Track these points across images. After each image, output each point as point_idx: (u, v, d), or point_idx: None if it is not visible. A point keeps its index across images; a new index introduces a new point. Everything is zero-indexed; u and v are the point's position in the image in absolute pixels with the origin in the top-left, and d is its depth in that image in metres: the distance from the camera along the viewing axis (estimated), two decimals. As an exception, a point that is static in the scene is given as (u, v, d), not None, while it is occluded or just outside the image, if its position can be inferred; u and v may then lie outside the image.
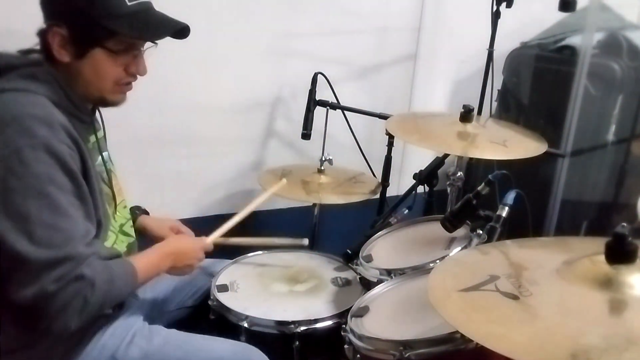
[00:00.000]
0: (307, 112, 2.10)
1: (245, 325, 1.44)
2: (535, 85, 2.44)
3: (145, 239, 1.51)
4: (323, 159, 2.12)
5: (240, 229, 2.35)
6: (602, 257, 0.97)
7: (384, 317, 1.37)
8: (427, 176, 1.89)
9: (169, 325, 1.40)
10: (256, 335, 1.43)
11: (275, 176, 2.14)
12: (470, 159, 2.17)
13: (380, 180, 2.19)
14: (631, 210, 1.76)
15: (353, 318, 1.36)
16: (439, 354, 1.18)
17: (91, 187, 1.18)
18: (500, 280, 1.01)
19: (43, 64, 1.19)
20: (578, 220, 2.29)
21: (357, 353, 1.29)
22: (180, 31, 1.24)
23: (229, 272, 1.66)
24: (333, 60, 2.32)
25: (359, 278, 1.64)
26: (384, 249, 1.69)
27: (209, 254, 1.51)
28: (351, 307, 1.41)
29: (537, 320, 0.92)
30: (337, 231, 2.09)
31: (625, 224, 0.95)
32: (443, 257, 1.45)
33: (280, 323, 1.44)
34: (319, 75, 2.13)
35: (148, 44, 1.26)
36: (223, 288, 1.57)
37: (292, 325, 1.43)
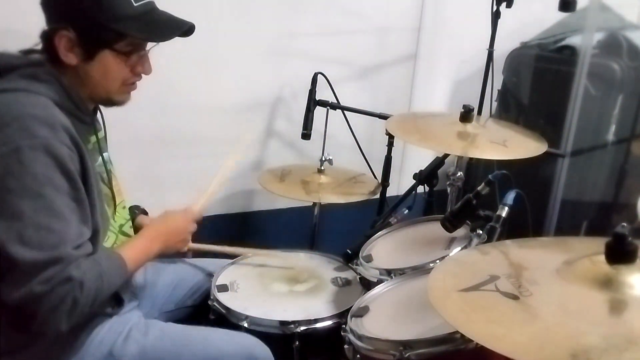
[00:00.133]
0: (307, 112, 2.10)
1: (245, 325, 1.44)
2: (535, 85, 2.44)
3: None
4: (323, 159, 2.12)
5: (241, 229, 2.36)
6: (602, 257, 0.97)
7: (384, 317, 1.37)
8: (427, 176, 1.89)
9: (169, 326, 1.40)
10: (256, 335, 1.42)
11: (276, 176, 2.15)
12: (470, 159, 2.17)
13: (380, 180, 2.19)
14: (631, 210, 1.76)
15: (353, 318, 1.36)
16: (439, 354, 1.18)
17: (90, 188, 1.18)
18: (500, 280, 1.01)
19: (44, 64, 1.19)
20: (578, 220, 2.29)
21: (357, 353, 1.29)
22: (186, 30, 1.24)
23: (229, 272, 1.66)
24: (333, 60, 2.32)
25: (359, 278, 1.64)
26: (384, 249, 1.69)
27: (199, 223, 1.49)
28: (351, 307, 1.41)
29: (537, 320, 0.92)
30: (337, 231, 2.09)
31: (625, 224, 0.95)
32: (443, 257, 1.45)
33: (280, 323, 1.44)
34: (319, 75, 2.13)
35: (152, 43, 1.26)
36: (223, 288, 1.57)
37: (292, 325, 1.43)
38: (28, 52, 1.23)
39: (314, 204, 2.10)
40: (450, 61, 2.63)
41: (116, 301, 1.32)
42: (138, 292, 1.47)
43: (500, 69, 2.51)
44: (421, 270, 1.48)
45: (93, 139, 1.29)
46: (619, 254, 0.95)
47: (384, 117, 2.06)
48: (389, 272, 1.52)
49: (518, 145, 1.65)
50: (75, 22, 1.16)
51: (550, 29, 2.47)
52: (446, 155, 1.88)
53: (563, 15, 2.14)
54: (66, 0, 1.17)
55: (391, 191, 2.22)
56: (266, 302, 1.53)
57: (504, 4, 2.12)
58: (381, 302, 1.43)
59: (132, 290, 1.42)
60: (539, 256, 1.18)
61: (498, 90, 2.53)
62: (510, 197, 1.42)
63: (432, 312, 0.97)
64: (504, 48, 2.41)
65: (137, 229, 1.52)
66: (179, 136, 2.15)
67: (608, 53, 2.23)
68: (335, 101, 2.18)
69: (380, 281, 1.51)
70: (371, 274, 1.56)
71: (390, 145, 2.14)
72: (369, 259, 1.63)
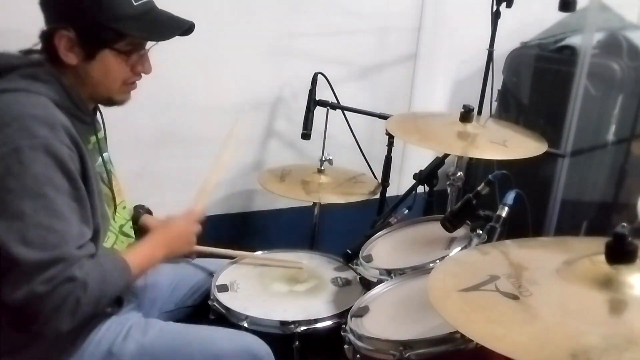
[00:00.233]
0: (307, 112, 2.11)
1: (245, 325, 1.44)
2: (535, 85, 2.44)
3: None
4: (323, 159, 2.12)
5: (241, 229, 2.36)
6: (602, 257, 0.97)
7: (384, 317, 1.37)
8: (427, 176, 1.89)
9: (169, 326, 1.40)
10: (256, 335, 1.42)
11: (276, 176, 2.15)
12: (470, 159, 2.17)
13: (380, 180, 2.19)
14: (631, 210, 1.76)
15: (353, 318, 1.36)
16: (439, 354, 1.18)
17: (90, 188, 1.18)
18: (500, 280, 1.01)
19: (44, 64, 1.19)
20: (578, 220, 2.29)
21: (357, 353, 1.29)
22: (186, 29, 1.24)
23: (229, 272, 1.66)
24: (333, 60, 2.32)
25: (359, 278, 1.64)
26: (384, 249, 1.69)
27: (203, 223, 1.49)
28: (351, 307, 1.41)
29: (537, 320, 0.92)
30: (337, 231, 2.09)
31: (625, 224, 0.95)
32: (443, 257, 1.45)
33: (280, 323, 1.44)
34: (319, 75, 2.13)
35: (152, 43, 1.26)
36: (223, 288, 1.57)
37: (292, 325, 1.43)
38: (28, 52, 1.23)
39: (314, 204, 2.10)
40: (450, 61, 2.63)
41: (116, 301, 1.32)
42: (138, 292, 1.47)
43: (500, 69, 2.51)
44: (421, 270, 1.48)
45: (93, 139, 1.29)
46: (619, 254, 0.95)
47: (384, 117, 2.06)
48: (389, 272, 1.52)
49: (518, 145, 1.65)
50: (75, 22, 1.16)
51: (550, 29, 2.47)
52: (446, 155, 1.88)
53: (563, 15, 2.15)
54: (66, 0, 1.17)
55: (391, 191, 2.22)
56: (266, 302, 1.53)
57: (504, 4, 2.12)
58: (381, 302, 1.43)
59: (132, 290, 1.42)
60: (539, 256, 1.18)
61: (498, 90, 2.53)
62: (510, 197, 1.42)
63: (432, 312, 0.97)
64: (504, 48, 2.41)
65: (141, 228, 1.52)
66: (179, 136, 2.15)
67: (608, 53, 2.23)
68: (335, 101, 2.18)
69: (380, 281, 1.51)
70: (371, 274, 1.56)
71: (390, 145, 2.15)
72: (369, 259, 1.63)
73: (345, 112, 2.22)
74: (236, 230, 2.37)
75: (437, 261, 1.46)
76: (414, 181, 1.92)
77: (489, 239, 1.40)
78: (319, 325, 1.45)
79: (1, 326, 1.15)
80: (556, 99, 2.26)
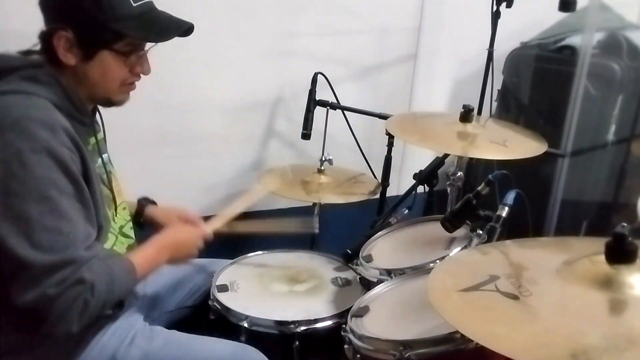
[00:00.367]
0: (307, 112, 2.11)
1: (245, 325, 1.44)
2: (535, 85, 2.44)
3: (149, 233, 1.51)
4: (323, 159, 2.12)
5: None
6: (602, 257, 0.97)
7: (384, 317, 1.37)
8: (427, 176, 1.89)
9: (169, 326, 1.40)
10: (256, 335, 1.42)
11: (275, 176, 2.14)
12: (470, 159, 2.16)
13: (380, 180, 2.19)
14: (631, 210, 1.76)
15: (353, 318, 1.36)
16: (439, 354, 1.18)
17: (92, 189, 1.18)
18: (500, 280, 1.01)
19: (44, 66, 1.19)
20: (578, 220, 2.29)
21: (357, 353, 1.29)
22: (186, 30, 1.24)
23: (229, 272, 1.66)
24: (333, 60, 2.32)
25: (359, 278, 1.64)
26: (384, 249, 1.69)
27: (209, 242, 1.49)
28: (351, 307, 1.41)
29: (537, 320, 0.92)
30: (337, 231, 2.09)
31: (625, 224, 0.95)
32: (443, 257, 1.45)
33: (280, 323, 1.44)
34: (319, 75, 2.13)
35: (151, 43, 1.25)
36: (223, 288, 1.57)
37: (292, 325, 1.43)
38: (27, 52, 1.23)
39: (314, 204, 2.10)
40: (450, 61, 2.63)
41: (117, 303, 1.31)
42: (139, 293, 1.47)
43: (500, 69, 2.51)
44: (421, 270, 1.48)
45: (92, 140, 1.29)
46: (619, 254, 0.95)
47: (384, 117, 2.06)
48: (389, 272, 1.52)
49: (518, 145, 1.65)
50: (74, 22, 1.15)
51: (550, 29, 2.47)
52: (446, 155, 1.88)
53: (563, 15, 2.14)
54: (65, 0, 1.17)
55: (391, 191, 2.22)
56: (266, 302, 1.53)
57: (504, 4, 2.12)
58: (381, 302, 1.43)
59: (132, 292, 1.42)
60: (539, 256, 1.18)
61: (498, 90, 2.53)
62: (510, 197, 1.42)
63: (432, 312, 0.97)
64: (504, 48, 2.41)
65: (147, 219, 1.52)
66: (179, 136, 2.15)
67: (608, 53, 2.23)
68: (335, 101, 2.18)
69: (380, 281, 1.51)
70: (371, 274, 1.56)
71: (390, 145, 2.15)
72: (369, 259, 1.63)
73: (345, 112, 2.22)
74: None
75: (437, 261, 1.46)
76: (414, 181, 1.92)
77: (489, 239, 1.40)
78: (319, 325, 1.45)
79: (4, 328, 1.15)
80: (556, 99, 2.26)
